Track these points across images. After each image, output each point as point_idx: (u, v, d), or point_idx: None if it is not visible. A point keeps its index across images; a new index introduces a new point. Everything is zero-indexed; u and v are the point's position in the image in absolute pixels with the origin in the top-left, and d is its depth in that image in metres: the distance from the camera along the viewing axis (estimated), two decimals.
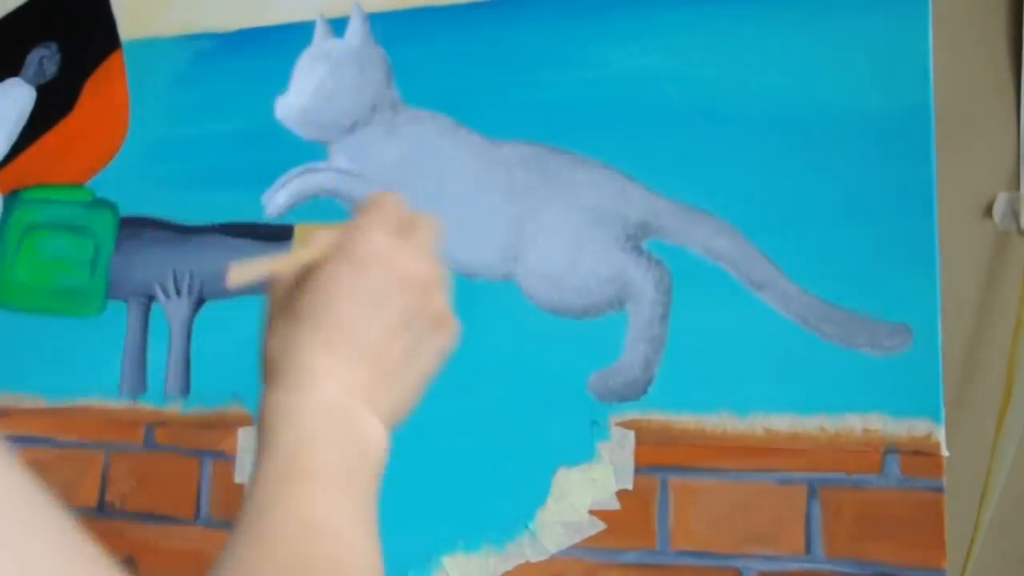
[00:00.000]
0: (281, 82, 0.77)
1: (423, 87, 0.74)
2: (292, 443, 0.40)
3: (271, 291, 0.45)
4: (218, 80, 0.81)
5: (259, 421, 0.42)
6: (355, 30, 0.75)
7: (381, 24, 0.75)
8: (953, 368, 0.65)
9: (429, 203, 0.72)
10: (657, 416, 0.66)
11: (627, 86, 0.69)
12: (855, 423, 0.62)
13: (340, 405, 0.42)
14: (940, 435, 0.60)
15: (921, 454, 0.60)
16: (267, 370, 0.44)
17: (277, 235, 0.76)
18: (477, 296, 0.70)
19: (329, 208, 0.74)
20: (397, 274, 0.43)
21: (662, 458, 0.65)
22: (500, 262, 0.70)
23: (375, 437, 0.43)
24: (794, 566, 0.62)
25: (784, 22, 0.67)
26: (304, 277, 0.44)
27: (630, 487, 0.66)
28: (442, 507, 0.69)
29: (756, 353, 0.65)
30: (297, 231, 0.76)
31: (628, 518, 0.65)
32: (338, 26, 0.76)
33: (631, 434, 0.66)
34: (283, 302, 0.44)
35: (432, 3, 0.74)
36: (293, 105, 0.76)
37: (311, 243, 0.44)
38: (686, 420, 0.65)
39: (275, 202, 0.76)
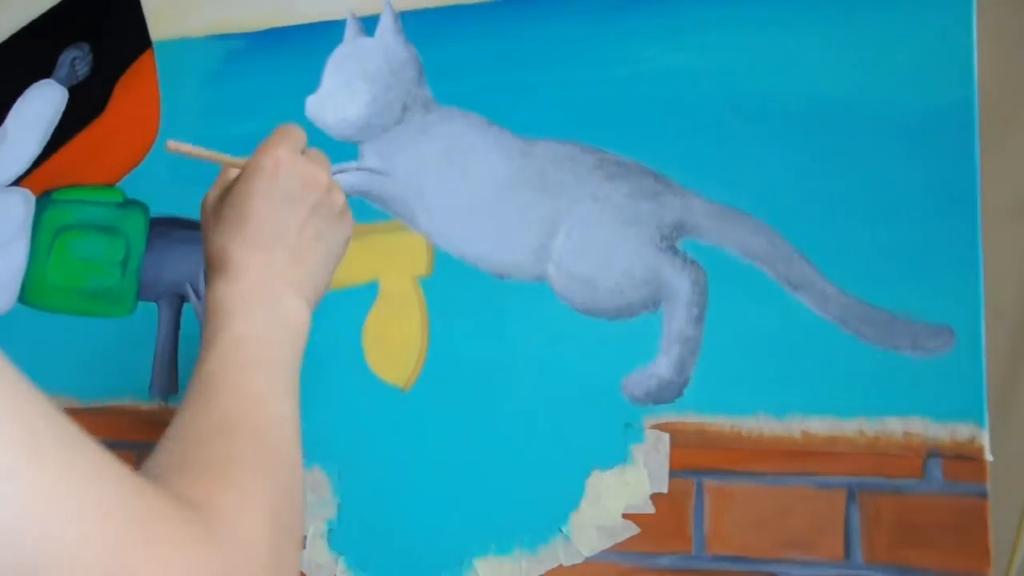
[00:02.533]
0: (312, 81, 0.77)
1: (455, 86, 0.73)
2: (225, 323, 0.49)
3: (204, 206, 0.56)
4: (248, 79, 0.80)
5: (204, 310, 0.52)
6: (386, 28, 0.75)
7: (412, 22, 0.75)
8: (997, 370, 0.63)
9: (461, 203, 0.72)
10: (692, 418, 0.65)
11: (661, 84, 0.68)
12: (896, 426, 0.61)
13: (263, 286, 0.51)
14: (984, 439, 0.59)
15: (964, 459, 0.59)
16: (207, 267, 0.54)
17: None
18: (509, 297, 0.70)
19: (359, 208, 0.74)
20: (301, 177, 0.53)
21: (697, 461, 0.65)
22: (533, 262, 0.69)
23: (296, 311, 0.52)
24: (832, 572, 0.61)
25: (822, 18, 0.65)
26: (227, 190, 0.55)
27: (665, 490, 0.65)
28: (474, 509, 0.68)
29: (793, 355, 0.63)
30: None
31: (663, 522, 0.65)
32: (369, 24, 0.76)
33: (666, 436, 0.65)
34: (213, 212, 0.55)
35: (464, 1, 0.74)
36: (324, 106, 0.76)
37: (232, 172, 0.56)
38: (722, 422, 0.64)
39: None
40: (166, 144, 0.54)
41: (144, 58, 0.84)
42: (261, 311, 0.50)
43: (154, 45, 0.84)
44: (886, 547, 0.60)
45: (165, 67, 0.84)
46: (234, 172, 0.56)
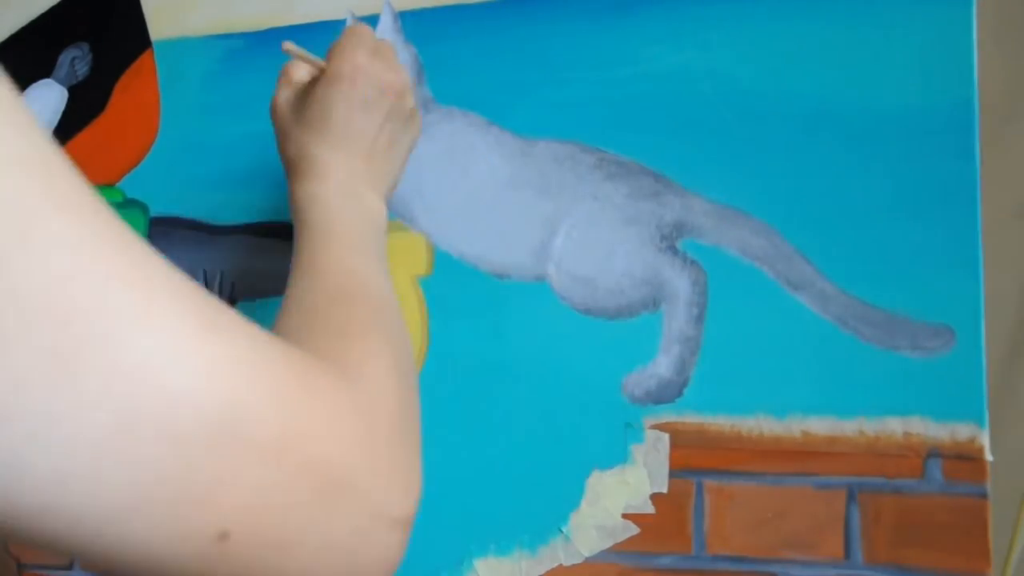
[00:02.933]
0: None
1: (455, 85, 0.73)
2: (320, 217, 0.53)
3: (277, 109, 0.60)
4: (248, 79, 0.80)
5: (291, 207, 0.56)
6: (386, 28, 0.75)
7: (412, 22, 0.75)
8: (997, 370, 0.63)
9: (461, 202, 0.72)
10: (692, 418, 0.65)
11: (661, 84, 0.68)
12: (895, 426, 0.61)
13: (349, 186, 0.56)
14: (984, 439, 0.59)
15: (964, 458, 0.59)
16: (289, 169, 0.58)
17: None
18: (509, 297, 0.70)
19: None
20: (378, 83, 0.57)
21: (697, 461, 0.65)
22: (533, 262, 0.69)
23: (378, 207, 0.57)
24: (832, 572, 0.61)
25: (822, 18, 0.65)
26: (305, 93, 0.58)
27: (665, 490, 0.65)
28: (474, 509, 0.68)
29: (793, 355, 0.63)
30: None
31: (663, 522, 0.65)
32: (369, 24, 0.76)
33: (666, 437, 0.65)
34: (291, 115, 0.59)
35: (464, 1, 0.73)
36: None
37: (296, 67, 0.60)
38: (722, 423, 0.64)
39: None
40: (283, 45, 0.58)
41: (144, 58, 0.84)
42: (350, 207, 0.55)
43: (154, 45, 0.84)
44: (886, 547, 0.60)
45: (165, 67, 0.84)
46: (298, 72, 0.60)
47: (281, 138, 0.60)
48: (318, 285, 0.48)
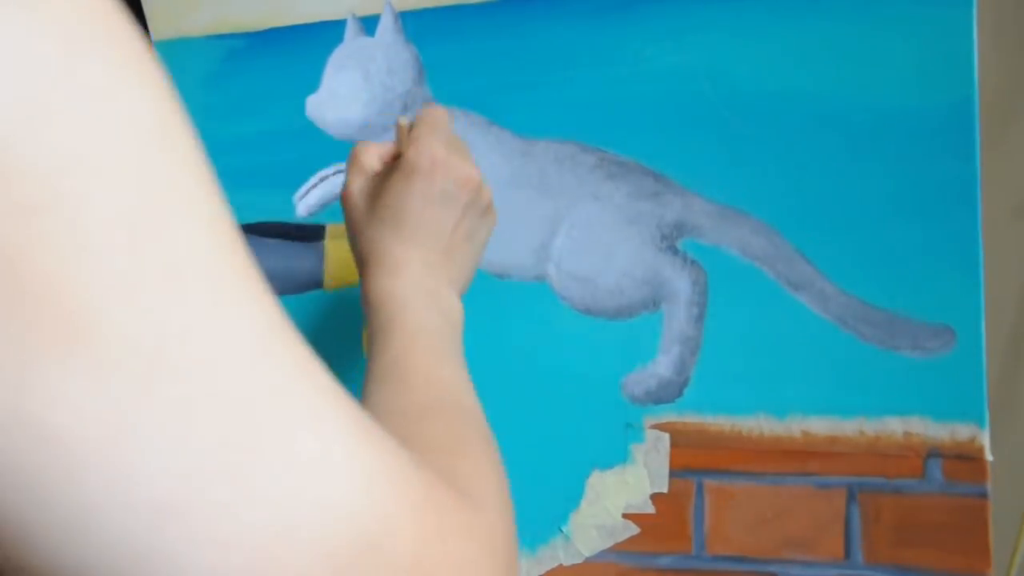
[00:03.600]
0: (312, 81, 0.77)
1: (455, 85, 0.73)
2: (398, 315, 0.51)
3: (349, 199, 0.57)
4: (248, 79, 0.80)
5: (365, 303, 0.53)
6: (386, 28, 0.75)
7: (413, 22, 0.75)
8: (997, 370, 0.63)
9: None
10: (692, 418, 0.65)
11: (662, 83, 0.68)
12: (896, 426, 0.61)
13: (425, 284, 0.53)
14: (984, 439, 0.59)
15: (964, 458, 0.59)
16: (363, 263, 0.56)
17: (309, 235, 0.76)
18: (509, 297, 0.70)
19: None
20: (456, 178, 0.54)
21: (697, 461, 0.65)
22: (533, 262, 0.69)
23: (455, 305, 0.55)
24: (833, 572, 0.61)
25: (823, 17, 0.65)
26: (379, 186, 0.56)
27: (665, 490, 0.65)
28: None
29: (794, 355, 0.64)
30: (329, 230, 0.75)
31: (663, 522, 0.65)
32: (369, 24, 0.76)
33: (666, 436, 0.65)
34: (365, 205, 0.56)
35: (465, 1, 0.73)
36: (324, 106, 0.76)
37: (366, 151, 0.57)
38: (722, 422, 0.64)
39: (306, 202, 0.76)
40: (398, 120, 0.56)
41: None
42: (428, 304, 0.53)
43: (154, 45, 0.84)
44: (886, 547, 0.60)
45: (165, 67, 0.84)
46: (368, 159, 0.57)
47: (353, 230, 0.58)
48: (401, 393, 0.46)
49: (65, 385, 0.21)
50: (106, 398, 0.22)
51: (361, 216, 0.57)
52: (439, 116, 0.57)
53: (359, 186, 0.57)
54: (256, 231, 0.78)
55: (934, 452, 0.60)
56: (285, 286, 0.75)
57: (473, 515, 0.33)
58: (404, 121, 0.57)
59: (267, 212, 0.77)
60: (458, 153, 0.56)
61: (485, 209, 0.58)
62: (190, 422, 0.23)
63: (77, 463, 0.22)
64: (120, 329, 0.22)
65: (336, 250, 0.75)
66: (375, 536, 0.27)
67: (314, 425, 0.26)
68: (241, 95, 0.80)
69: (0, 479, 0.21)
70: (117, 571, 0.23)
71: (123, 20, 0.24)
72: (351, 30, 0.77)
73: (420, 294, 0.53)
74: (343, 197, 0.58)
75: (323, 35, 0.77)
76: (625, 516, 0.65)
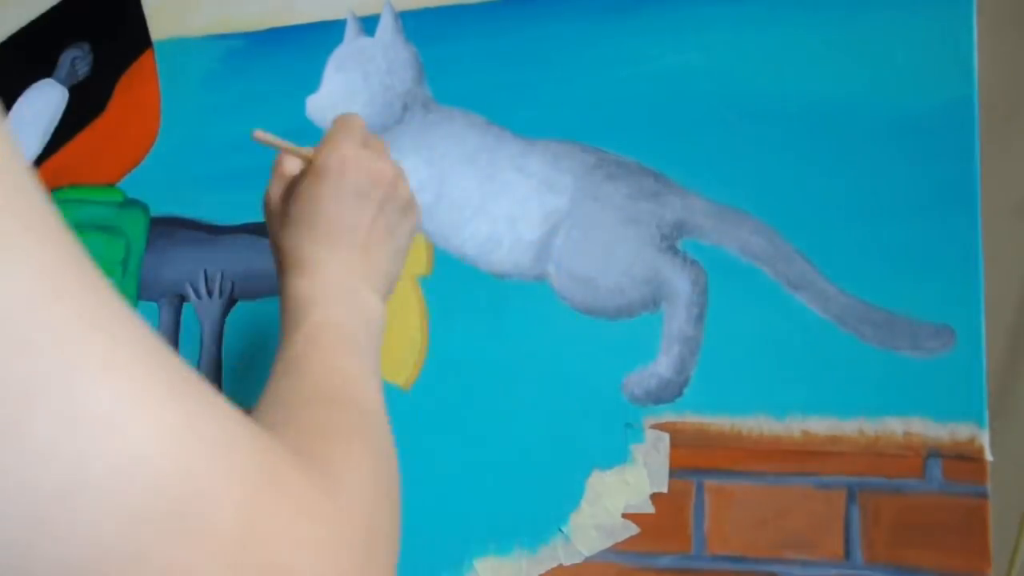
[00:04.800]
0: (312, 81, 0.77)
1: (455, 85, 0.73)
2: (311, 315, 0.50)
3: (268, 204, 0.57)
4: (248, 79, 0.80)
5: (281, 305, 0.52)
6: (386, 28, 0.75)
7: (412, 22, 0.75)
8: (997, 370, 0.63)
9: (461, 202, 0.72)
10: (692, 418, 0.65)
11: (661, 83, 0.68)
12: (896, 426, 0.61)
13: (343, 284, 0.52)
14: (984, 439, 0.59)
15: (964, 459, 0.59)
16: (281, 264, 0.55)
17: None
18: (509, 297, 0.70)
19: None
20: (368, 174, 0.54)
21: (697, 461, 0.65)
22: (533, 262, 0.69)
23: (373, 306, 0.54)
24: (832, 572, 0.61)
25: (822, 17, 0.65)
26: (293, 188, 0.55)
27: (665, 490, 0.65)
28: (474, 509, 0.68)
29: (793, 355, 0.63)
30: None
31: (663, 522, 0.64)
32: (369, 24, 0.76)
33: (666, 436, 0.65)
34: (280, 209, 0.56)
35: (464, 1, 0.73)
36: (324, 106, 0.76)
37: (287, 159, 0.57)
38: (722, 422, 0.64)
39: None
40: (253, 134, 0.55)
41: (144, 57, 0.84)
42: (340, 303, 0.52)
43: (154, 45, 0.84)
44: (886, 547, 0.60)
45: (165, 66, 0.84)
46: (289, 165, 0.57)
47: (272, 233, 0.57)
48: (296, 384, 0.45)
49: None
50: None
51: (277, 219, 0.56)
52: (352, 119, 0.57)
53: (276, 190, 0.57)
54: (257, 231, 0.78)
55: (934, 452, 0.60)
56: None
57: (325, 500, 0.32)
58: (260, 133, 0.55)
59: None
60: (371, 151, 0.56)
61: (405, 205, 0.57)
62: None
63: None
64: None
65: None
66: (181, 501, 0.25)
67: (107, 378, 0.25)
68: (241, 95, 0.80)
69: None
70: None
71: None
72: (351, 30, 0.77)
73: (332, 292, 0.52)
74: (264, 201, 0.58)
75: (323, 35, 0.77)
76: (625, 516, 0.65)
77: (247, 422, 0.30)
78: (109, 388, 0.25)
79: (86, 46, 0.87)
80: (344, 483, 0.35)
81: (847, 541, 0.61)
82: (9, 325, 0.23)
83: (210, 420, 0.28)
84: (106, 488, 0.24)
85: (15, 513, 0.23)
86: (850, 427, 0.62)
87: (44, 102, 0.87)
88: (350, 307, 0.52)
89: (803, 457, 0.62)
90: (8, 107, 0.88)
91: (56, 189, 0.86)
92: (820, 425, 0.62)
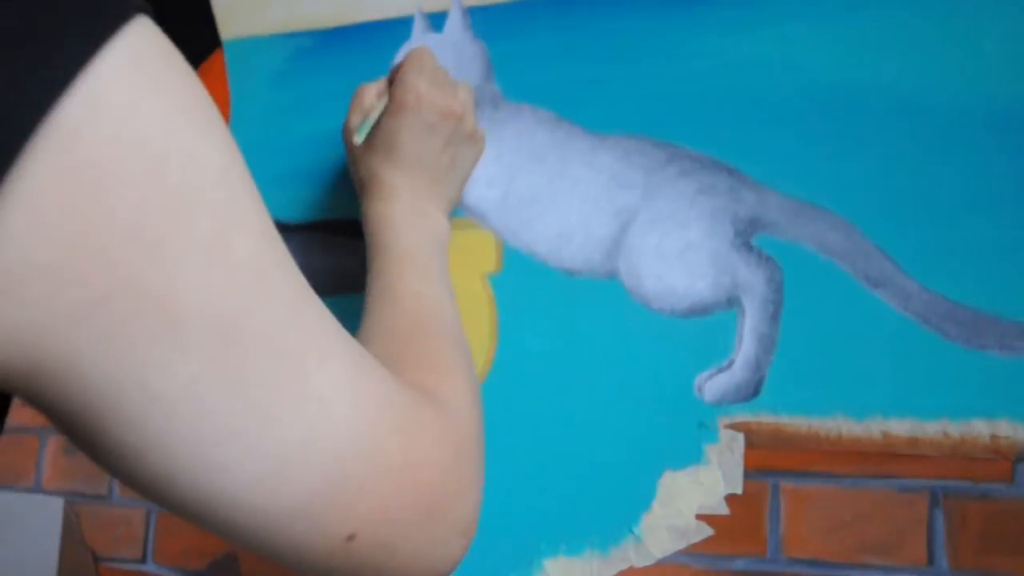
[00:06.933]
0: (380, 78, 0.77)
1: (524, 81, 0.72)
2: (392, 239, 0.60)
3: (348, 133, 0.66)
4: (316, 77, 0.81)
5: (365, 225, 0.63)
6: (454, 24, 0.75)
7: (481, 17, 0.74)
8: None
9: (531, 199, 0.71)
10: (767, 418, 0.63)
11: (736, 76, 0.67)
12: (982, 429, 0.59)
13: (415, 207, 0.62)
14: None
15: None
16: (361, 189, 0.65)
17: None
18: (580, 294, 0.69)
19: None
20: (438, 110, 0.62)
21: (773, 462, 0.63)
22: (604, 259, 0.68)
23: (442, 223, 0.64)
24: None
25: (903, 6, 0.63)
26: (375, 128, 0.63)
27: (739, 491, 0.63)
28: (544, 510, 0.68)
29: (873, 354, 0.62)
30: None
31: (737, 524, 0.63)
32: (437, 20, 0.76)
33: (740, 436, 0.64)
34: (365, 147, 0.64)
35: None
36: None
37: (367, 91, 0.66)
38: (798, 423, 0.63)
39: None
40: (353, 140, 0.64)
41: (215, 57, 0.85)
42: (418, 226, 0.61)
43: (224, 44, 0.85)
44: (973, 554, 0.58)
45: (234, 65, 0.84)
46: (368, 97, 0.66)
47: (352, 161, 0.66)
48: (394, 315, 0.55)
49: (168, 361, 0.31)
50: (187, 366, 0.31)
51: (358, 148, 0.65)
52: (424, 54, 0.64)
53: (356, 121, 0.65)
54: (325, 228, 0.78)
55: (1023, 456, 0.58)
56: (353, 284, 0.75)
57: (448, 427, 0.44)
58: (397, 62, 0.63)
59: (336, 210, 0.78)
60: (441, 87, 0.63)
61: (469, 135, 0.65)
62: (242, 376, 0.33)
63: (170, 410, 0.32)
64: (198, 318, 0.31)
65: None
66: (371, 446, 0.38)
67: (323, 367, 0.36)
68: (309, 93, 0.81)
69: (118, 413, 0.31)
70: (193, 476, 0.33)
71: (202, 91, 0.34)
72: (419, 26, 0.76)
73: (410, 216, 0.61)
74: (344, 131, 0.66)
75: (391, 32, 0.77)
76: (698, 517, 0.64)
77: (395, 381, 0.41)
78: (325, 375, 0.36)
79: None
80: (455, 409, 0.46)
81: (931, 547, 0.59)
82: (274, 340, 0.34)
83: (379, 386, 0.39)
84: (329, 442, 0.36)
85: (276, 462, 0.34)
86: (933, 429, 0.60)
87: None
88: (425, 230, 0.61)
89: (883, 459, 0.61)
90: None
91: None
92: (901, 426, 0.61)
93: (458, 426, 0.45)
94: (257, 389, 0.33)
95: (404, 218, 0.61)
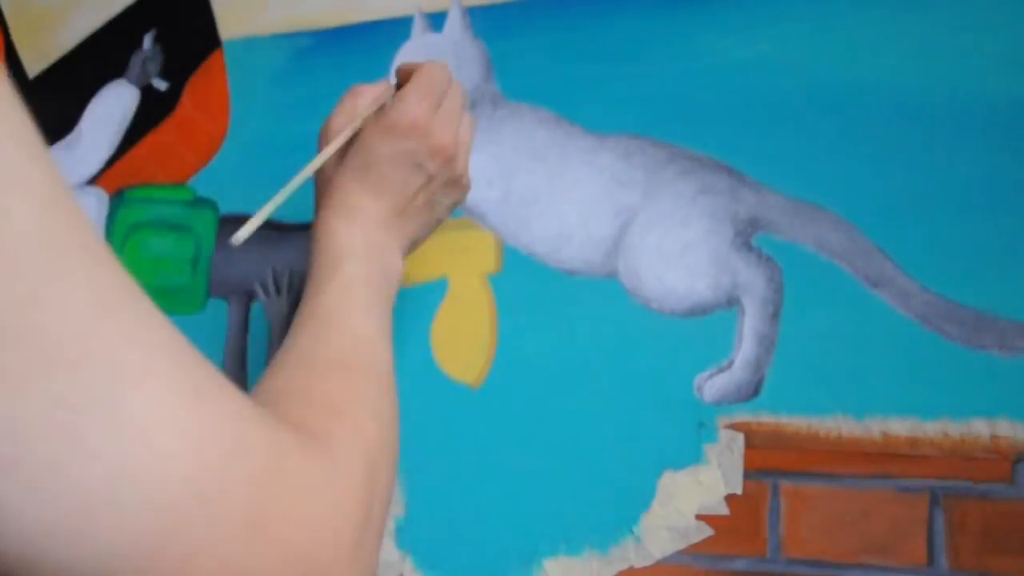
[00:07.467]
0: (379, 78, 0.77)
1: (523, 81, 0.73)
2: (340, 263, 0.53)
3: (327, 134, 0.57)
4: (316, 77, 0.81)
5: (313, 237, 0.56)
6: (454, 24, 0.75)
7: (480, 17, 0.74)
8: None
9: (530, 199, 0.71)
10: (767, 418, 0.63)
11: (735, 77, 0.67)
12: (982, 429, 0.59)
13: (375, 237, 0.55)
14: None
15: None
16: (320, 198, 0.58)
17: None
18: (579, 294, 0.69)
19: None
20: (431, 145, 0.55)
21: (773, 462, 0.63)
22: (603, 259, 0.68)
23: (396, 263, 0.57)
24: None
25: (903, 6, 0.64)
26: (356, 136, 0.56)
27: (739, 491, 0.63)
28: (544, 509, 0.67)
29: (873, 354, 0.62)
30: None
31: (737, 524, 0.63)
32: (437, 20, 0.76)
33: (740, 436, 0.64)
34: (338, 150, 0.56)
35: None
36: None
37: (362, 96, 0.57)
38: (798, 423, 0.63)
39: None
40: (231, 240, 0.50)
41: (214, 57, 0.85)
42: (371, 257, 0.55)
43: (223, 44, 0.85)
44: (972, 554, 0.58)
45: (234, 66, 0.84)
46: (361, 103, 0.57)
47: (321, 166, 0.57)
48: (318, 344, 0.49)
49: None
50: None
51: (333, 154, 0.57)
52: (436, 73, 0.57)
53: (340, 124, 0.57)
54: None
55: (1023, 456, 0.58)
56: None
57: (326, 481, 0.36)
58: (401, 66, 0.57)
59: None
60: (444, 117, 0.56)
61: (455, 180, 0.59)
62: (22, 384, 0.25)
63: None
64: None
65: None
66: (206, 492, 0.30)
67: (145, 387, 0.28)
68: (308, 93, 0.81)
69: None
70: None
71: None
72: (418, 26, 0.76)
73: (366, 245, 0.55)
74: (323, 127, 0.58)
75: (391, 32, 0.77)
76: (698, 517, 0.64)
77: (260, 415, 0.34)
78: (145, 396, 0.28)
79: (157, 47, 0.88)
80: (345, 459, 0.39)
81: (930, 547, 0.59)
82: (69, 341, 0.26)
83: (230, 418, 0.32)
84: (146, 482, 0.28)
85: (72, 505, 0.26)
86: (933, 429, 0.60)
87: (116, 103, 0.89)
88: (378, 262, 0.55)
89: (883, 459, 0.61)
90: (83, 108, 0.90)
91: (128, 188, 0.88)
92: (901, 426, 0.61)
93: (345, 479, 0.38)
94: (42, 402, 0.25)
95: (361, 245, 0.54)
